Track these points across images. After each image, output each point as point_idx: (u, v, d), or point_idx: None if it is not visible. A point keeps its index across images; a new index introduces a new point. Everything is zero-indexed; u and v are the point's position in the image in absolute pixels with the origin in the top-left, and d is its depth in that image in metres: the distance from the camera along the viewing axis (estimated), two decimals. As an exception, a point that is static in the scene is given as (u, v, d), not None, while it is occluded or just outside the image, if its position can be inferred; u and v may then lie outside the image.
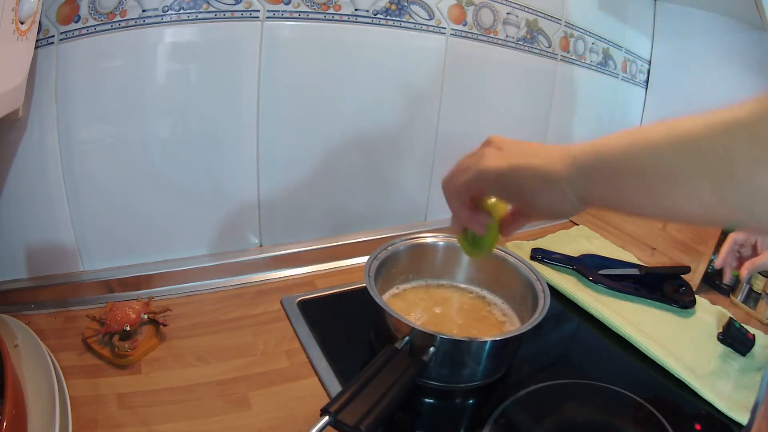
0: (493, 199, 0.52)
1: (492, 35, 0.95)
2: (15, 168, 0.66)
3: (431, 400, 0.66)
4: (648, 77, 1.28)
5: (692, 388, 0.69)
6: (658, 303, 0.87)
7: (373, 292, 0.65)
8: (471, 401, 0.65)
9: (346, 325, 0.76)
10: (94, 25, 0.65)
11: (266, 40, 0.75)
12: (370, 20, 0.81)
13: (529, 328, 0.62)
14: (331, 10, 0.78)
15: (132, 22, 0.66)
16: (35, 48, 0.59)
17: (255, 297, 0.80)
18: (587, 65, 1.14)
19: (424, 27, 0.87)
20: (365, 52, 0.83)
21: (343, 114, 0.86)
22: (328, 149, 0.87)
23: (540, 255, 0.95)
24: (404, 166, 0.95)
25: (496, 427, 0.60)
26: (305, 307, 0.77)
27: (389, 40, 0.84)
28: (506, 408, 0.63)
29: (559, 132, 1.13)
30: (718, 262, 0.76)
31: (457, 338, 0.62)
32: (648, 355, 0.74)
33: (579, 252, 0.98)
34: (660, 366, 0.73)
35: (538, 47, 1.03)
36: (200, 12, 0.69)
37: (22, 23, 0.51)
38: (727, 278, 0.83)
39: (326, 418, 0.47)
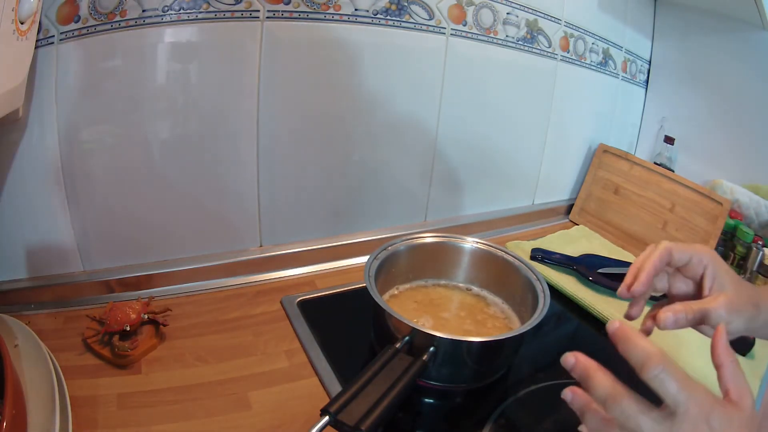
0: None
1: (492, 35, 0.95)
2: (15, 168, 0.66)
3: (431, 400, 0.66)
4: (648, 77, 1.28)
5: (692, 388, 0.69)
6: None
7: (373, 292, 0.65)
8: (471, 401, 0.65)
9: (346, 325, 0.76)
10: (94, 25, 0.65)
11: (266, 40, 0.75)
12: (370, 20, 0.81)
13: (529, 328, 0.62)
14: (331, 10, 0.78)
15: (132, 22, 0.66)
16: (35, 48, 0.59)
17: (255, 297, 0.80)
18: (587, 65, 1.14)
19: (424, 27, 0.87)
20: (365, 52, 0.83)
21: (343, 114, 0.86)
22: (327, 149, 0.87)
23: (540, 255, 0.95)
24: (404, 166, 0.95)
25: (496, 427, 0.60)
26: (305, 307, 0.78)
27: (389, 40, 0.84)
28: (506, 408, 0.63)
29: (559, 132, 1.13)
30: (635, 287, 0.49)
31: (457, 338, 0.62)
32: (648, 355, 0.74)
33: (579, 252, 0.98)
34: (660, 366, 0.73)
35: (538, 47, 1.03)
36: (200, 12, 0.69)
37: (22, 23, 0.51)
38: (635, 313, 0.54)
39: (326, 418, 0.48)
